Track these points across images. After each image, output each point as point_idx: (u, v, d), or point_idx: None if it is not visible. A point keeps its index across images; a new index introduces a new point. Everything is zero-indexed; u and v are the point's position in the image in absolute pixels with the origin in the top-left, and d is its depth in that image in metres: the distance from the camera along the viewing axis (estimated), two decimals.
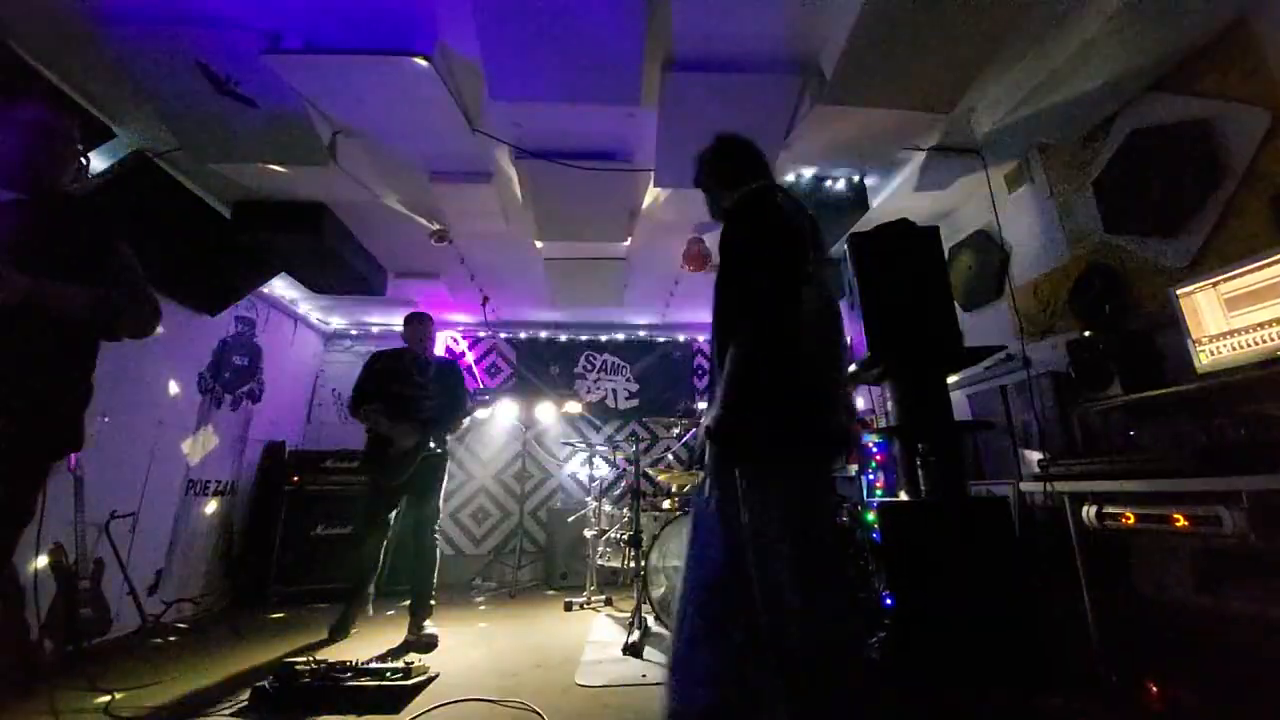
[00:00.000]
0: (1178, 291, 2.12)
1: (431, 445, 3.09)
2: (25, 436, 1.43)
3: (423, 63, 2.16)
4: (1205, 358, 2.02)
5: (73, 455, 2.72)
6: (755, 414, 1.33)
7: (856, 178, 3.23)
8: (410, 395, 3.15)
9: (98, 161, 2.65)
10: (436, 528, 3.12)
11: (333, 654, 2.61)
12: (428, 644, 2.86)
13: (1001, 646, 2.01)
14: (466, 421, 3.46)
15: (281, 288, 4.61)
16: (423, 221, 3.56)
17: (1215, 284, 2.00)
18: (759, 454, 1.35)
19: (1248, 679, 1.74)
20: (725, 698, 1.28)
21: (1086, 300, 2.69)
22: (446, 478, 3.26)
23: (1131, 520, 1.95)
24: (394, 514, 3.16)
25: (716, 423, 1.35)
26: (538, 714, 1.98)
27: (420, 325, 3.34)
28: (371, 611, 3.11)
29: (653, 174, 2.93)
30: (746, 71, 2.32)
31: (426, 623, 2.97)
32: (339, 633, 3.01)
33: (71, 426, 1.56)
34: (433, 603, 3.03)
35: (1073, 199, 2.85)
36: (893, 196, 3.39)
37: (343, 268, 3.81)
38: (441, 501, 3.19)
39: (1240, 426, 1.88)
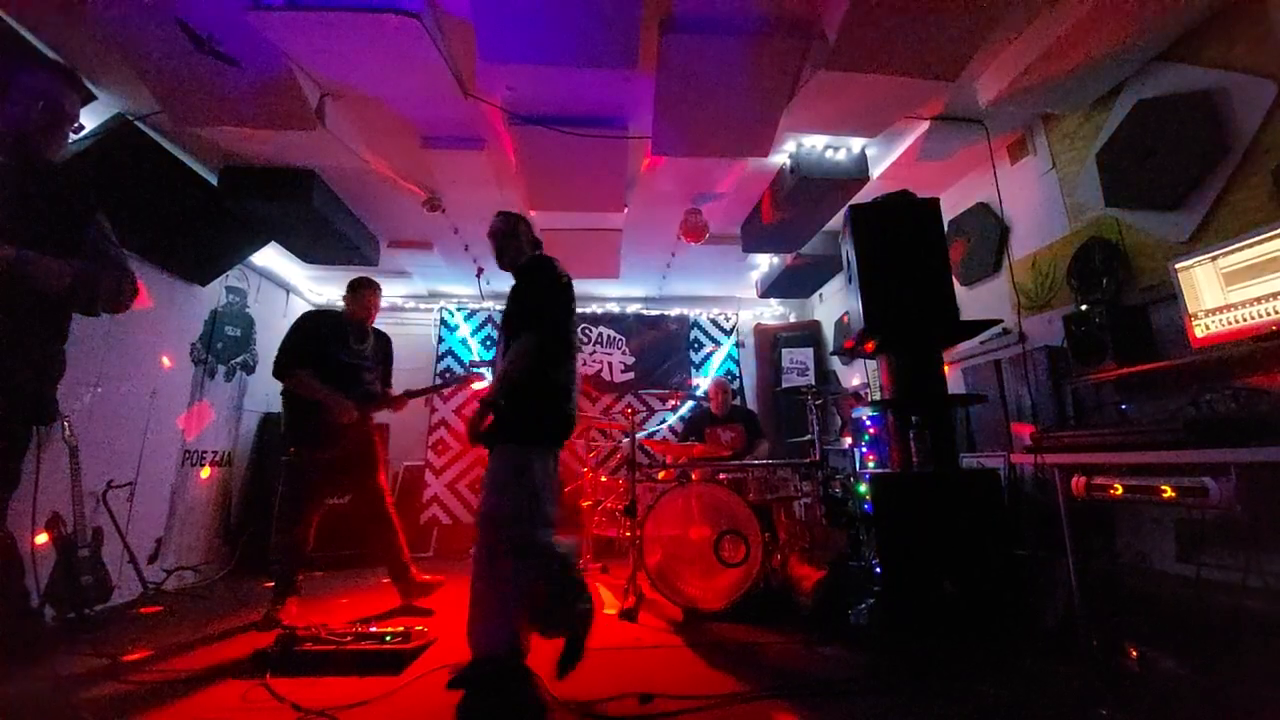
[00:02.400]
0: (1177, 266, 2.11)
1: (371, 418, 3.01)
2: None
3: (411, 21, 2.08)
4: (1201, 332, 2.03)
5: (65, 423, 2.72)
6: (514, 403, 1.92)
7: (858, 147, 3.17)
8: (352, 364, 3.00)
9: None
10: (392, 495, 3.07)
11: (332, 618, 2.65)
12: (431, 588, 2.90)
13: (987, 612, 2.07)
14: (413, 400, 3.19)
15: (273, 258, 4.54)
16: (414, 189, 3.49)
17: (1214, 258, 1.99)
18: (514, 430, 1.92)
19: (1223, 644, 1.80)
20: None
21: (1085, 274, 2.68)
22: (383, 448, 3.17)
23: (1119, 491, 1.98)
24: (330, 490, 2.92)
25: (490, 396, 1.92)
26: (535, 675, 2.02)
27: (369, 292, 3.11)
28: (301, 593, 2.80)
29: (650, 142, 2.87)
30: (747, 34, 2.25)
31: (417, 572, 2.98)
32: (273, 622, 2.59)
33: (45, 399, 1.55)
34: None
35: (1075, 171, 2.82)
36: (894, 167, 3.34)
37: (334, 236, 3.74)
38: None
39: (1232, 400, 1.90)
